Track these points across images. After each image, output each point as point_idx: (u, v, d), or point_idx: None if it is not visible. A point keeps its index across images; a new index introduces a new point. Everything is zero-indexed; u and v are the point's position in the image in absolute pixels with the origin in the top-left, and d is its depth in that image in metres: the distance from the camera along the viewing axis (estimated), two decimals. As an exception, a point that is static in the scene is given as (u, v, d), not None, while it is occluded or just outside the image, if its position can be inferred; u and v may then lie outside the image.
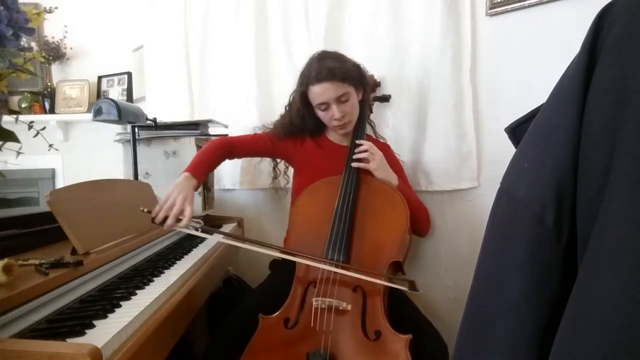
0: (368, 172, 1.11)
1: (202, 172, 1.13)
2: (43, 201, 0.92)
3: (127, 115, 1.25)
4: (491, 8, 1.30)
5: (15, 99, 2.30)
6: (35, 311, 0.62)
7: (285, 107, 1.29)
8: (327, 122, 1.20)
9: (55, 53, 2.26)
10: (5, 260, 0.61)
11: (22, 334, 0.55)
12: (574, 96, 0.42)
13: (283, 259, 1.09)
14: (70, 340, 0.53)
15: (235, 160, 1.39)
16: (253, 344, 0.91)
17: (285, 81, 1.60)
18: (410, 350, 0.85)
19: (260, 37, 1.63)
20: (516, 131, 0.54)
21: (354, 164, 1.11)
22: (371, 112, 1.38)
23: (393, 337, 0.87)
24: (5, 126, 0.75)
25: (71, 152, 2.30)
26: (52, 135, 2.22)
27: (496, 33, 1.31)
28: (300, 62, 1.56)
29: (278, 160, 1.44)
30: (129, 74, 2.24)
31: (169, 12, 1.80)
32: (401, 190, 1.09)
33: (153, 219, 0.98)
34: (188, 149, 1.51)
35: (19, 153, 0.79)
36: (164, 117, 1.57)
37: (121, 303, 0.68)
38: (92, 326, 0.58)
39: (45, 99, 2.31)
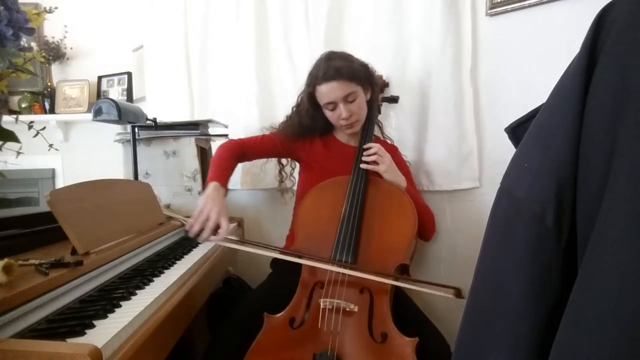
0: (376, 174, 1.10)
1: (226, 180, 1.14)
2: (43, 201, 0.92)
3: (127, 115, 1.24)
4: (491, 8, 1.30)
5: (15, 99, 2.29)
6: (35, 311, 0.61)
7: (293, 108, 1.28)
8: (334, 121, 1.20)
9: (55, 53, 2.26)
10: (5, 260, 0.61)
11: (22, 334, 0.55)
12: (574, 96, 0.42)
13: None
14: (70, 340, 0.53)
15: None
16: (258, 342, 0.91)
17: (285, 81, 1.61)
18: (416, 354, 0.84)
19: (260, 37, 1.62)
20: (516, 131, 0.54)
21: (363, 166, 1.10)
22: (379, 112, 1.37)
23: (400, 339, 0.86)
24: (5, 126, 0.75)
25: (71, 152, 2.30)
26: (52, 135, 2.22)
27: (496, 33, 1.31)
28: (301, 62, 1.58)
29: (284, 162, 1.43)
30: (129, 74, 2.24)
31: (169, 12, 1.80)
32: (409, 193, 1.08)
33: (187, 232, 1.01)
34: (188, 149, 1.51)
35: (19, 153, 0.79)
36: (164, 117, 1.57)
37: (121, 303, 0.68)
38: (92, 326, 0.58)
39: (45, 99, 2.31)
